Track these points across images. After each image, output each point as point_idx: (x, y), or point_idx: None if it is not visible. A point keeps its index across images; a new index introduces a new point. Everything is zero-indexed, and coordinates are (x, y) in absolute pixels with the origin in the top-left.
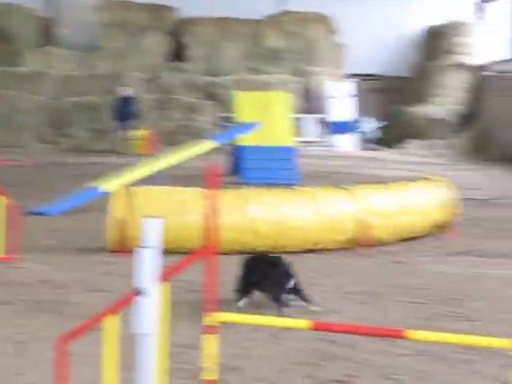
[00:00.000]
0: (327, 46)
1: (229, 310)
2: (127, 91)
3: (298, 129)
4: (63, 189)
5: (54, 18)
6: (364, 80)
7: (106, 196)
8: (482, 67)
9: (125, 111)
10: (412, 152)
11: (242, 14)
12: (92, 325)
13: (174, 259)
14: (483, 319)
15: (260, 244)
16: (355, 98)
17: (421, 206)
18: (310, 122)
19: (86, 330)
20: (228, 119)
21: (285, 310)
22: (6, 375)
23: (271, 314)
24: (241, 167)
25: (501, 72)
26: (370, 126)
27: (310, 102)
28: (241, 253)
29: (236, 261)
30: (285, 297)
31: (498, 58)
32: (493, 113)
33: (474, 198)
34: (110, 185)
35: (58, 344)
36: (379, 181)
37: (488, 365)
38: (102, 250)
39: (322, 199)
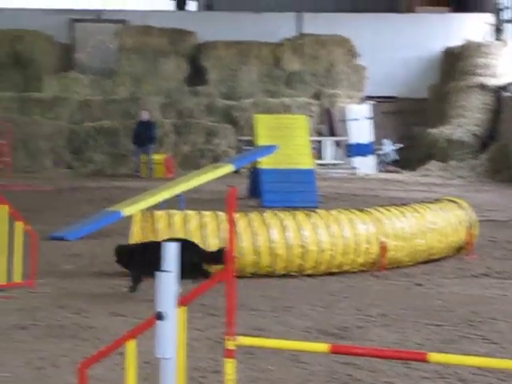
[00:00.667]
0: (346, 68)
1: (248, 333)
2: (146, 115)
3: (317, 151)
4: (83, 213)
5: (73, 44)
6: (382, 102)
7: (125, 220)
8: (501, 88)
9: (144, 135)
10: (431, 173)
11: (261, 38)
12: (113, 349)
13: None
14: (504, 341)
15: (281, 267)
16: (373, 120)
17: (440, 227)
18: (330, 144)
19: (106, 355)
20: (247, 142)
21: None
22: None
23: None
24: (260, 190)
25: None
26: (389, 148)
27: (330, 124)
28: (261, 276)
29: (256, 284)
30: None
31: None
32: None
33: (494, 219)
34: (130, 209)
35: (80, 369)
36: (399, 203)
37: None
38: (121, 274)
39: (342, 222)
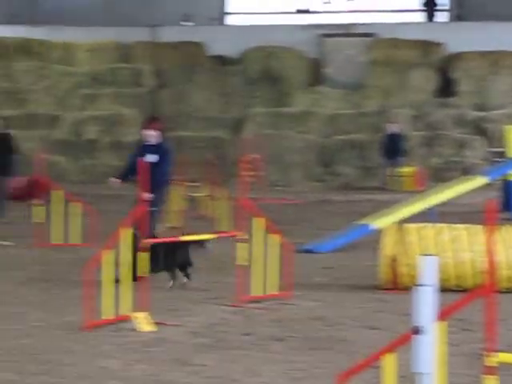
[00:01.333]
0: None
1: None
2: (395, 128)
3: None
4: (333, 226)
5: (322, 58)
6: None
7: (376, 233)
8: None
9: (393, 148)
10: None
11: None
12: (371, 362)
13: (447, 297)
14: None
15: None
16: None
17: None
18: None
19: (364, 368)
20: (499, 154)
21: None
22: None
23: None
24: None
25: None
26: None
27: None
28: None
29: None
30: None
31: None
32: None
33: None
34: (381, 222)
35: (338, 381)
36: None
37: None
38: (374, 287)
39: None
